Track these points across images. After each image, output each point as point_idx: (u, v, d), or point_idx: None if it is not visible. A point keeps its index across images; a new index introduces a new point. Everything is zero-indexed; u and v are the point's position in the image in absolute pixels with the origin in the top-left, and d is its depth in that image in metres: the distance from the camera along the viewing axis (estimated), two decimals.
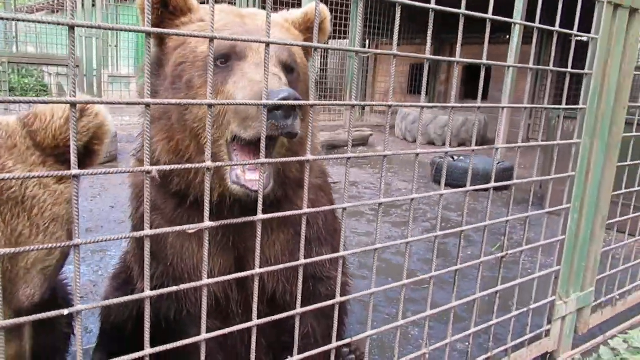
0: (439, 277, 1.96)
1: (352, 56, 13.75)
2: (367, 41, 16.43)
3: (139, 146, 1.93)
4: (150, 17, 1.11)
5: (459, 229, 1.97)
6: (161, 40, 1.84)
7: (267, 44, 1.25)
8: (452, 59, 1.69)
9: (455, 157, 7.83)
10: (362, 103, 1.53)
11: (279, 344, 2.17)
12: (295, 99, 1.39)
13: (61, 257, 1.38)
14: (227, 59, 1.65)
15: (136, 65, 17.80)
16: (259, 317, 1.47)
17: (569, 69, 2.21)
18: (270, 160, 1.40)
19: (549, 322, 2.50)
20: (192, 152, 1.67)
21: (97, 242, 1.14)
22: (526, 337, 2.38)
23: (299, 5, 11.56)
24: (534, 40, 2.05)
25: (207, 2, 1.20)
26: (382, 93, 17.41)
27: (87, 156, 1.45)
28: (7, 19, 0.95)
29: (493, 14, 1.76)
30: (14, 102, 0.98)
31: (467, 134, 12.46)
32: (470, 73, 15.61)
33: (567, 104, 2.25)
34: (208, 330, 2.00)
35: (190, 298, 1.84)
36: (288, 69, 1.73)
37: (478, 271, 2.12)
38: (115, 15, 16.86)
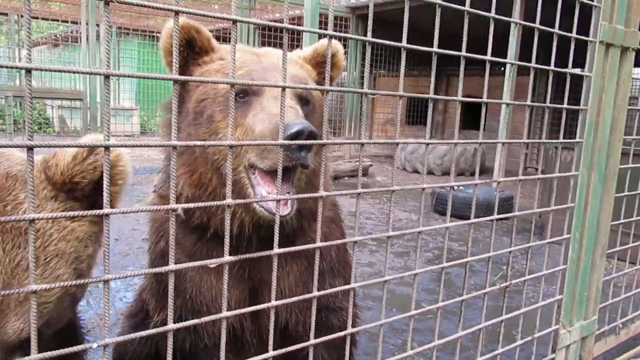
0: (443, 307, 2.01)
1: (349, 96, 14.02)
2: (365, 74, 16.70)
3: (160, 181, 2.01)
4: (177, 63, 1.19)
5: (464, 260, 2.03)
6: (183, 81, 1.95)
7: (283, 88, 1.33)
8: (455, 98, 1.78)
9: (455, 188, 7.92)
10: (372, 141, 1.61)
11: None
12: (310, 132, 1.48)
13: (64, 295, 1.35)
14: (245, 93, 1.76)
15: (137, 98, 18.04)
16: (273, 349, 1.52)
17: (565, 105, 2.31)
18: (290, 197, 1.47)
19: (553, 351, 2.53)
20: (214, 184, 1.75)
21: (126, 277, 1.20)
22: None
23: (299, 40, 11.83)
24: (531, 78, 2.15)
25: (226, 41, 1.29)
26: (381, 123, 17.60)
27: (99, 195, 1.45)
28: (44, 69, 1.04)
29: (489, 48, 1.86)
30: (48, 147, 1.06)
31: (466, 163, 12.58)
32: (468, 104, 15.87)
33: (564, 135, 2.35)
34: None
35: (208, 330, 1.89)
36: (303, 100, 1.84)
37: (483, 301, 2.17)
38: (117, 49, 17.22)
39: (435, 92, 16.22)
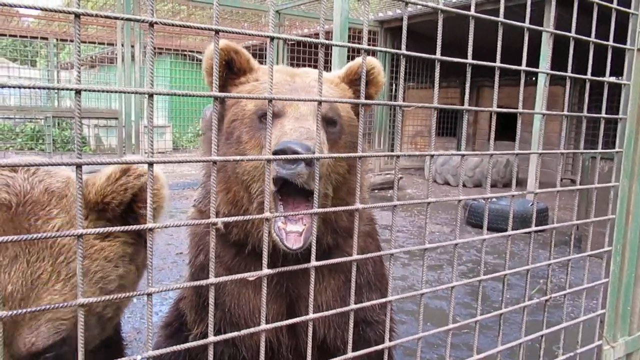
0: (479, 321, 1.98)
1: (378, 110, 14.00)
2: (393, 85, 16.70)
3: (200, 197, 2.06)
4: (217, 81, 1.23)
5: (501, 273, 2.00)
6: (222, 98, 2.00)
7: (316, 102, 1.33)
8: (489, 109, 1.77)
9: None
10: (406, 153, 1.60)
11: None
12: (294, 151, 1.48)
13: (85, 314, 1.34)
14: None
15: (170, 116, 18.42)
16: None
17: (603, 114, 2.26)
18: (319, 210, 1.48)
19: None
20: (246, 202, 1.78)
21: (168, 290, 1.22)
22: None
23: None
24: (567, 88, 2.11)
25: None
26: (411, 136, 17.52)
27: (129, 216, 1.48)
28: (91, 90, 1.08)
29: (522, 57, 1.85)
30: (94, 164, 1.10)
31: (498, 175, 12.39)
32: (500, 117, 15.66)
33: (601, 145, 2.30)
34: None
35: (246, 343, 1.91)
36: (329, 121, 1.84)
37: (522, 315, 2.13)
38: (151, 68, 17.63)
39: (465, 103, 16.00)
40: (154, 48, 1.14)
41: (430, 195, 1.76)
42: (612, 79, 2.26)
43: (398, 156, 1.59)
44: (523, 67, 1.92)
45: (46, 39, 16.01)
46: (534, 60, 9.72)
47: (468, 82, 1.69)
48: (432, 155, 1.62)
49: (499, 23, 1.71)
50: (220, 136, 1.88)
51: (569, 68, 2.10)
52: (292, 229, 1.66)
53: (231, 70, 1.91)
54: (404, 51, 1.53)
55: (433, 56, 1.59)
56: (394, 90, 16.93)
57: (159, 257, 5.72)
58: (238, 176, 1.79)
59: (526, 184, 10.19)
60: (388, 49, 1.56)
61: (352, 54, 9.90)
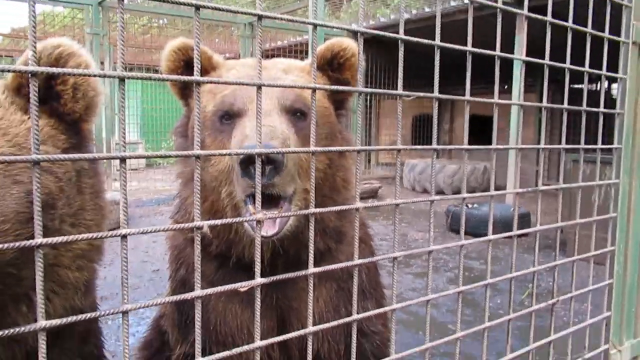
0: (470, 332, 1.82)
1: (354, 110, 13.93)
2: (368, 97, 16.72)
3: (175, 208, 1.90)
4: (199, 65, 1.07)
5: (483, 283, 1.82)
6: (187, 102, 1.85)
7: (259, 87, 1.17)
8: (462, 97, 1.61)
9: (470, 206, 7.75)
10: (367, 148, 1.44)
11: None
12: (267, 157, 1.33)
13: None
14: (229, 116, 1.63)
15: (142, 131, 18.08)
16: None
17: (602, 109, 2.17)
18: (315, 210, 1.33)
19: None
20: (221, 209, 1.63)
21: (147, 306, 1.05)
22: None
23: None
24: (566, 80, 2.01)
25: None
26: (387, 144, 17.54)
27: (55, 100, 1.35)
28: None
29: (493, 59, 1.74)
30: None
31: (476, 182, 12.42)
32: (474, 128, 15.74)
33: (584, 149, 2.17)
34: None
35: None
36: (297, 114, 1.66)
37: (530, 323, 2.00)
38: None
39: (441, 112, 16.10)
40: (124, 24, 0.98)
41: (409, 204, 1.61)
42: (594, 71, 2.15)
43: (399, 150, 1.45)
44: (523, 57, 1.82)
45: (11, 56, 15.57)
46: (508, 70, 9.79)
47: (469, 70, 1.57)
48: (398, 150, 1.46)
49: (498, 10, 1.59)
50: (189, 142, 1.72)
51: (567, 59, 2.00)
52: (267, 225, 1.49)
53: (192, 71, 1.75)
54: (402, 36, 1.40)
55: (433, 42, 1.46)
56: (368, 100, 16.94)
57: (134, 275, 5.46)
58: (207, 184, 1.63)
59: (505, 189, 10.21)
60: (384, 33, 1.43)
61: None
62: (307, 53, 13.20)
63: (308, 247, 1.52)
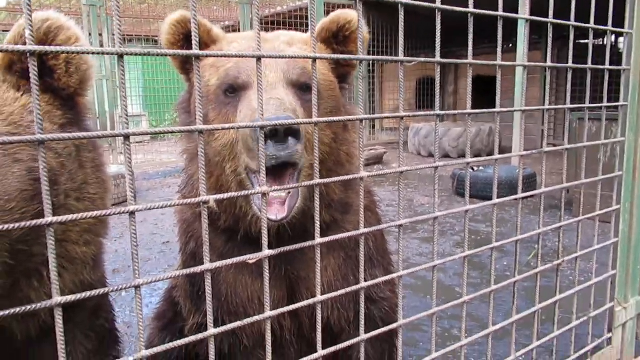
0: (477, 296, 1.84)
1: (357, 77, 13.74)
2: (371, 61, 16.49)
3: (183, 183, 1.90)
4: (197, 39, 1.06)
5: (489, 246, 1.83)
6: (188, 77, 1.84)
7: (259, 59, 1.16)
8: (465, 60, 1.59)
9: (475, 168, 7.74)
10: (371, 116, 1.44)
11: None
12: (289, 129, 1.33)
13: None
14: (233, 89, 1.62)
15: (145, 103, 17.99)
16: (313, 344, 1.39)
17: (607, 66, 2.14)
18: (320, 180, 1.33)
19: (610, 330, 2.38)
20: (228, 185, 1.63)
21: (158, 280, 1.07)
22: (588, 348, 2.27)
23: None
24: (571, 39, 1.97)
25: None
26: (391, 110, 17.40)
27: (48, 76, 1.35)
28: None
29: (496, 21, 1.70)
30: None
31: (482, 144, 12.35)
32: (479, 88, 15.51)
33: (589, 101, 2.13)
34: None
35: (247, 331, 1.78)
36: (302, 87, 1.64)
37: (536, 283, 2.02)
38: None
39: (445, 74, 15.87)
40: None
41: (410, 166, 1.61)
42: (599, 27, 2.11)
43: (402, 117, 1.44)
44: (526, 16, 1.78)
45: (8, 31, 15.38)
46: (512, 28, 9.59)
47: (471, 33, 1.54)
48: (402, 117, 1.45)
49: None
50: (190, 118, 1.72)
51: (572, 16, 1.96)
52: (274, 196, 1.50)
53: (191, 44, 1.73)
54: (405, 0, 1.37)
55: (433, 5, 1.44)
56: (371, 64, 16.72)
57: (144, 247, 5.54)
58: (211, 160, 1.63)
59: (510, 151, 10.16)
60: None
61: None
62: (307, 19, 12.99)
63: (314, 219, 1.54)
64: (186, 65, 1.81)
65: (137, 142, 15.53)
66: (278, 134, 1.33)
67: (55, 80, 1.33)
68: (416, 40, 15.09)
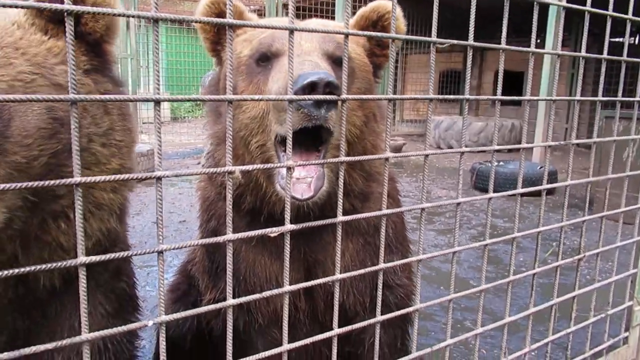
0: (494, 285, 1.82)
1: (387, 66, 13.59)
2: (398, 53, 16.36)
3: (207, 163, 1.92)
4: (231, 9, 1.06)
5: (510, 236, 1.81)
6: (219, 60, 1.84)
7: (291, 31, 1.14)
8: (497, 45, 1.56)
9: (495, 163, 7.66)
10: (400, 97, 1.40)
11: (340, 354, 2.10)
12: (328, 82, 1.24)
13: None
14: (266, 58, 1.61)
15: (167, 84, 18.09)
16: (325, 328, 1.40)
17: (625, 57, 2.07)
18: (345, 158, 1.32)
19: (627, 329, 2.35)
20: (253, 162, 1.62)
21: (181, 247, 1.08)
22: (603, 346, 2.24)
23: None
24: (586, 23, 1.88)
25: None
26: (413, 102, 17.27)
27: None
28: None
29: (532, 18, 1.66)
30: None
31: (502, 139, 12.21)
32: (503, 83, 15.24)
33: (620, 104, 2.08)
34: (271, 341, 1.95)
35: (262, 310, 1.80)
36: (337, 62, 1.61)
37: (555, 277, 1.99)
38: (146, 35, 17.23)
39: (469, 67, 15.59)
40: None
41: (433, 160, 1.59)
42: (637, 19, 2.06)
43: (431, 99, 1.42)
44: None
45: None
46: (542, 23, 9.40)
47: (505, 19, 1.51)
48: (430, 99, 1.42)
49: None
50: (219, 93, 1.72)
51: (588, 2, 1.87)
52: (300, 176, 1.48)
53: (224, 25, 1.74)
54: None
55: None
56: (398, 56, 16.53)
57: None
58: (236, 135, 1.61)
59: (532, 149, 10.00)
60: None
61: (358, 3, 9.44)
62: (330, 12, 12.86)
63: (333, 207, 1.52)
64: (217, 47, 1.82)
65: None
66: (317, 87, 1.25)
67: (82, 25, 1.34)
68: (445, 34, 14.89)
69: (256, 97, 1.14)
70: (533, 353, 2.22)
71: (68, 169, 1.27)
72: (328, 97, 1.25)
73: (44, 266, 0.91)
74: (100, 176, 0.93)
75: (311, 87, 1.25)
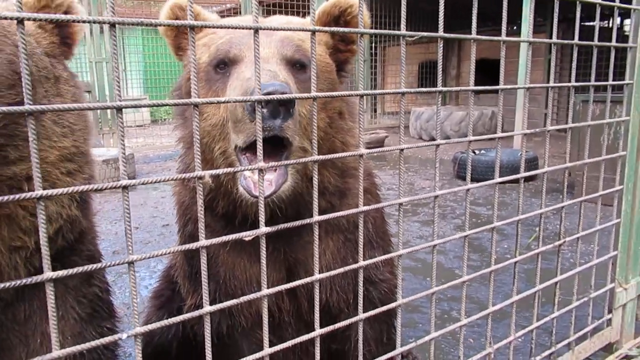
0: (478, 275, 1.83)
1: (357, 60, 13.58)
2: (373, 44, 16.37)
3: (178, 167, 1.89)
4: (191, 11, 1.03)
5: (490, 226, 1.81)
6: (181, 59, 1.84)
7: (256, 30, 1.12)
8: (468, 36, 1.55)
9: (477, 152, 7.70)
10: (371, 92, 1.39)
11: (328, 352, 2.09)
12: (282, 93, 1.24)
13: None
14: (224, 64, 1.59)
15: (145, 86, 17.91)
16: (311, 327, 1.38)
17: (614, 43, 2.10)
18: (318, 157, 1.30)
19: (610, 311, 2.37)
20: (219, 167, 1.60)
21: (153, 256, 1.06)
22: (588, 329, 2.26)
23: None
24: (578, 13, 1.92)
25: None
26: (393, 95, 17.30)
27: None
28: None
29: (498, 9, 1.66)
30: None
31: (484, 127, 12.30)
32: (483, 71, 15.35)
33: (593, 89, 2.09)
34: (256, 343, 1.93)
35: (244, 312, 1.78)
36: (297, 65, 1.60)
37: (537, 264, 2.00)
38: (121, 38, 16.98)
39: (448, 56, 15.65)
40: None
41: (415, 151, 1.58)
42: (606, 3, 2.07)
43: (403, 93, 1.41)
44: None
45: None
46: (517, 11, 9.47)
47: (475, 8, 1.51)
48: (403, 93, 1.41)
49: None
50: (182, 97, 1.70)
51: None
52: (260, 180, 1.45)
53: (184, 30, 1.74)
54: None
55: None
56: (373, 47, 16.57)
57: (144, 230, 5.54)
58: (201, 140, 1.58)
59: (513, 136, 10.09)
60: None
61: None
62: (306, 7, 12.81)
63: (308, 206, 1.50)
64: (179, 52, 1.84)
65: (137, 126, 15.47)
66: (271, 101, 1.26)
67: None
68: (417, 26, 14.92)
69: (222, 99, 1.11)
70: (520, 339, 2.24)
71: (23, 128, 1.28)
72: (284, 96, 1.24)
73: (7, 284, 0.88)
74: (60, 189, 0.89)
75: (266, 101, 1.23)
